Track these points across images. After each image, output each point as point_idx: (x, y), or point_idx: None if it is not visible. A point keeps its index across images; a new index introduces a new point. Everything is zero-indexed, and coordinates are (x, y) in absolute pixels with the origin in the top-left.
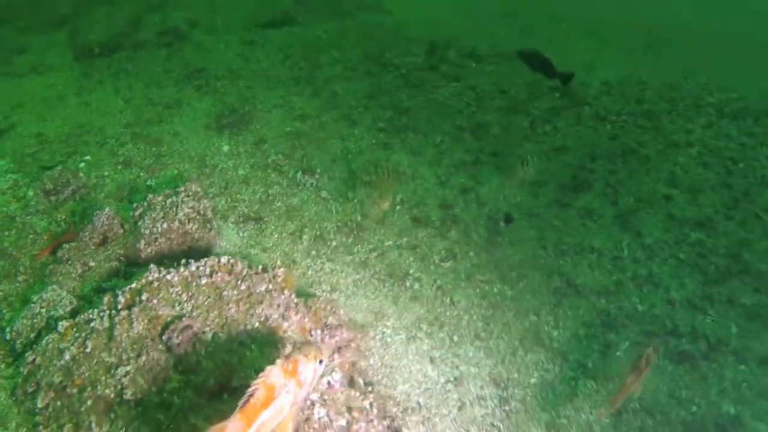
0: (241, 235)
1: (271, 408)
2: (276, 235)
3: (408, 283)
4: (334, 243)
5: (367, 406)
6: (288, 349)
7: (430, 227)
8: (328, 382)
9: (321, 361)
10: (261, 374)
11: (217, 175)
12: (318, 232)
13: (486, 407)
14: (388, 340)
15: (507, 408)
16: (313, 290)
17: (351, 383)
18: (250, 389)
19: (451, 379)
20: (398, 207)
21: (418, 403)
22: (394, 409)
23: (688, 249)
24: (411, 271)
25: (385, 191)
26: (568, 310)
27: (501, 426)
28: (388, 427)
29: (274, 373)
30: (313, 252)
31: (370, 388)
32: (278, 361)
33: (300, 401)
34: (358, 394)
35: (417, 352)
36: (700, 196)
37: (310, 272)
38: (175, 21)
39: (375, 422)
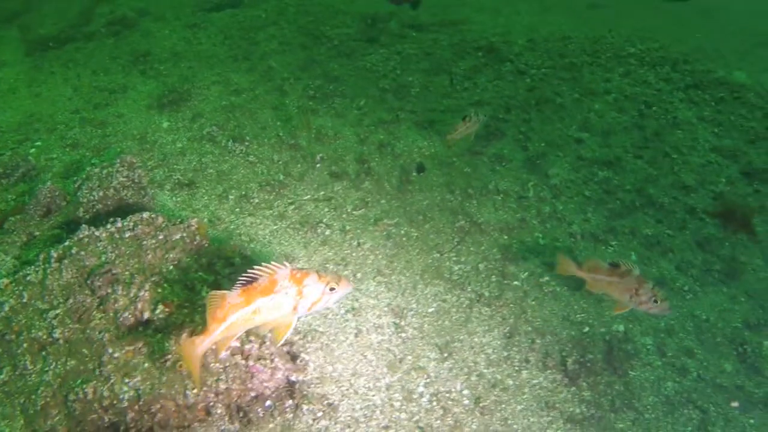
0: (174, 200)
1: (269, 299)
2: (206, 198)
3: (319, 230)
4: (256, 200)
5: (269, 334)
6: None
7: (345, 180)
8: None
9: (332, 289)
10: (269, 265)
11: (156, 149)
12: (243, 192)
13: (383, 334)
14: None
15: (403, 335)
16: (233, 241)
17: None
18: (253, 271)
19: (350, 309)
20: (318, 165)
21: (317, 331)
22: (295, 337)
23: (595, 187)
24: (324, 220)
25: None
26: (471, 247)
27: (396, 350)
28: (288, 352)
29: (281, 272)
30: (237, 209)
31: None
32: (288, 265)
33: (299, 311)
34: None
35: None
36: (612, 138)
37: (232, 227)
38: (124, 11)
39: (274, 347)
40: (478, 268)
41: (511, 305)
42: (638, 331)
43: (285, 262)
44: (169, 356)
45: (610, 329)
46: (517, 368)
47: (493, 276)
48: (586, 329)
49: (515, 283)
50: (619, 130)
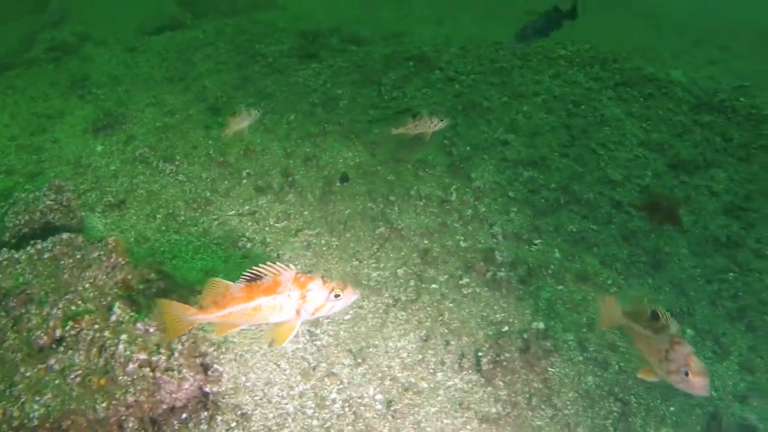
0: (104, 221)
1: (271, 299)
2: (134, 218)
3: (240, 244)
4: (182, 218)
5: (179, 346)
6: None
7: (270, 194)
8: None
9: (337, 296)
10: (274, 265)
11: (90, 173)
12: (170, 211)
13: (297, 343)
14: None
15: (318, 343)
16: (155, 258)
17: None
18: (258, 269)
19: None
20: (244, 180)
21: (232, 342)
22: (209, 349)
23: (519, 187)
24: (246, 234)
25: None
26: (390, 253)
27: (310, 358)
28: (201, 363)
29: (285, 274)
30: (163, 227)
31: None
32: (293, 268)
33: (302, 315)
34: None
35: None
36: (539, 138)
37: (157, 245)
38: (65, 36)
39: (183, 359)
40: (396, 273)
41: (428, 308)
42: (559, 328)
43: (290, 265)
44: (79, 371)
45: (529, 327)
46: (431, 371)
47: (412, 280)
48: (505, 329)
49: (433, 286)
50: (547, 131)
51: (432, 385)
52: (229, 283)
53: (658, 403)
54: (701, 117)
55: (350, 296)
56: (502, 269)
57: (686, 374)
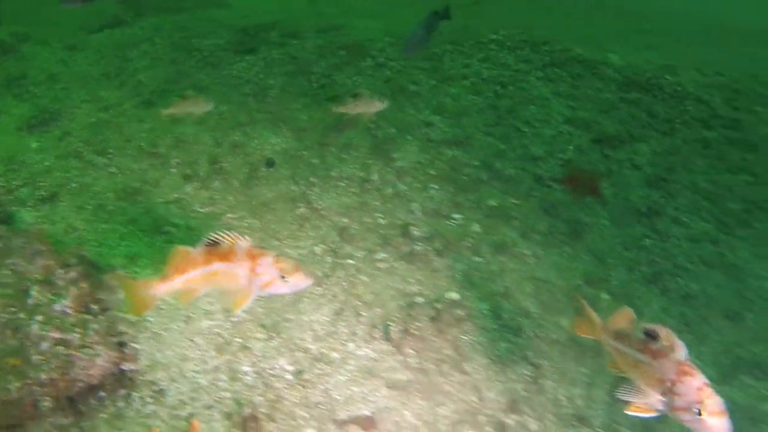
0: (35, 214)
1: (226, 266)
2: (65, 210)
3: (165, 230)
4: (111, 208)
5: (95, 325)
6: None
7: (197, 181)
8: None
9: (284, 277)
10: (231, 234)
11: (24, 169)
12: (100, 202)
13: (213, 319)
14: (135, 275)
15: (234, 319)
16: (83, 246)
17: (86, 309)
18: (216, 236)
19: None
20: (173, 169)
21: (149, 321)
22: (126, 328)
23: (441, 165)
24: (172, 221)
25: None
26: (310, 232)
27: (225, 333)
28: (117, 342)
29: (240, 244)
30: (93, 218)
31: (103, 313)
32: (248, 240)
33: (253, 289)
34: (90, 317)
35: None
36: (465, 119)
37: (85, 233)
38: (3, 36)
39: (99, 337)
40: (314, 251)
41: (343, 283)
42: (474, 297)
43: (246, 237)
44: None
45: (442, 297)
46: (343, 342)
47: (328, 257)
48: (419, 300)
49: (349, 261)
50: (473, 112)
51: (342, 356)
52: (190, 248)
53: (572, 366)
54: (628, 95)
55: (298, 282)
56: (419, 243)
57: (699, 413)
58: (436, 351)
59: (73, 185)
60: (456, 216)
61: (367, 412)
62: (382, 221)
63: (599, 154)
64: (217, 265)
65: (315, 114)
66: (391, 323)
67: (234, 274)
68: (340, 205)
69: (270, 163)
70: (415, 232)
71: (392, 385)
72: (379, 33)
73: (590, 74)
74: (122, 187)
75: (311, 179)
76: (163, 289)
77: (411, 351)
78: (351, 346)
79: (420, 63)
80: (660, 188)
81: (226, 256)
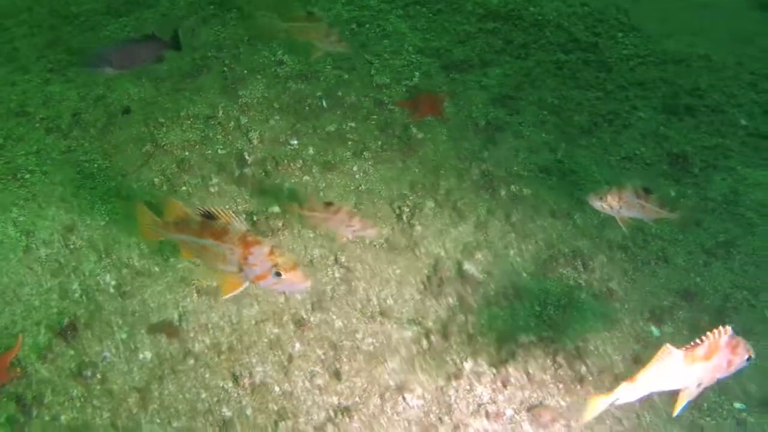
0: None
1: (215, 245)
2: None
3: (19, 176)
4: None
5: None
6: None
7: (57, 133)
8: None
9: (279, 274)
10: (228, 213)
11: None
12: None
13: (52, 248)
14: None
15: (72, 246)
16: None
17: None
18: (211, 209)
19: (24, 232)
20: (38, 125)
21: None
22: None
23: (285, 98)
24: (29, 168)
25: None
26: (153, 166)
27: (62, 259)
28: None
29: (234, 226)
30: None
31: None
32: (243, 224)
33: (245, 277)
34: None
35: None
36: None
37: None
38: None
39: None
40: (153, 181)
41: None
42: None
43: (243, 220)
44: None
45: (264, 210)
46: (165, 257)
47: (165, 186)
48: (242, 216)
49: (183, 188)
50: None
51: (163, 269)
52: (188, 210)
53: (384, 266)
54: (487, 25)
55: (293, 281)
56: (252, 167)
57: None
58: None
59: None
60: (293, 142)
61: (176, 316)
62: (221, 152)
63: (446, 78)
64: (207, 241)
65: (174, 64)
66: None
67: (222, 255)
68: (183, 140)
69: (126, 111)
70: (250, 158)
71: (202, 292)
72: None
73: (451, 9)
74: None
75: (160, 120)
76: (164, 233)
77: None
78: (172, 260)
79: (282, 10)
80: (505, 106)
81: (218, 234)
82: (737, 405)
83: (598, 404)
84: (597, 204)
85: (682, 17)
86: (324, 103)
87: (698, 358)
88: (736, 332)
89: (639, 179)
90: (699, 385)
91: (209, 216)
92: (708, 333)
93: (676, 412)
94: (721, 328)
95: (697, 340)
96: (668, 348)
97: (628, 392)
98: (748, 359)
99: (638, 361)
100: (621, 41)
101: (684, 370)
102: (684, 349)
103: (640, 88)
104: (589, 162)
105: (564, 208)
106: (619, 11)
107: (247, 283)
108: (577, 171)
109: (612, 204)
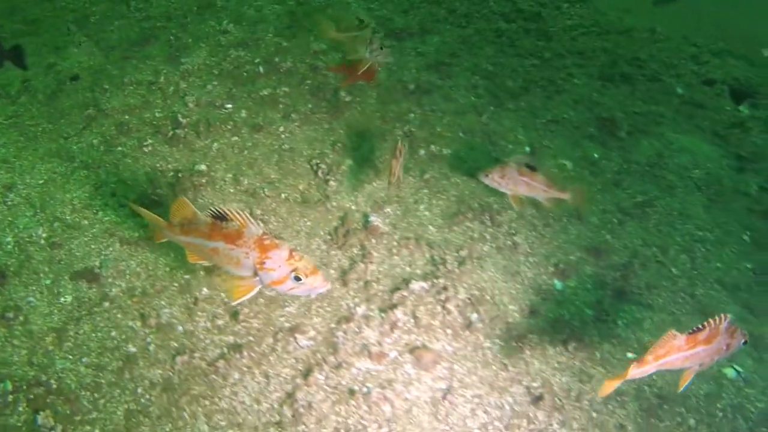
0: None
1: (228, 248)
2: None
3: None
4: None
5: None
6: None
7: (6, 99)
8: None
9: (298, 278)
10: (244, 215)
11: None
12: None
13: None
14: None
15: (9, 203)
16: None
17: None
18: (225, 209)
19: None
20: None
21: None
22: None
23: (225, 65)
24: None
25: None
26: (94, 129)
27: None
28: None
29: (250, 229)
30: None
31: None
32: (261, 227)
33: (261, 281)
34: None
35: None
36: (260, 25)
37: None
38: None
39: None
40: (92, 143)
41: (107, 166)
42: (221, 168)
43: (260, 223)
44: None
45: (191, 168)
46: (95, 211)
47: (102, 147)
48: (170, 174)
49: (119, 149)
50: (271, 19)
51: (91, 222)
52: (196, 211)
53: (297, 219)
54: None
55: (315, 285)
56: (185, 129)
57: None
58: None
59: None
60: (228, 106)
61: (97, 263)
62: (158, 115)
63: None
64: (219, 244)
65: (125, 33)
66: (138, 193)
67: (236, 259)
68: (124, 105)
69: (75, 78)
70: (184, 120)
71: (124, 242)
72: None
73: None
74: None
75: (105, 86)
76: (171, 235)
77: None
78: (100, 214)
79: None
80: (439, 71)
81: (231, 237)
82: (629, 354)
83: (612, 384)
84: (485, 180)
85: None
86: (261, 69)
87: (700, 342)
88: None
89: (562, 140)
90: (701, 365)
91: (221, 217)
92: (709, 320)
93: (681, 389)
94: (721, 315)
95: (699, 326)
96: (673, 333)
97: (638, 372)
98: (744, 343)
99: (535, 312)
100: (565, 11)
101: (687, 353)
102: (687, 334)
103: (580, 56)
104: (514, 124)
105: (481, 166)
106: None
107: (259, 287)
108: (500, 132)
109: (497, 180)
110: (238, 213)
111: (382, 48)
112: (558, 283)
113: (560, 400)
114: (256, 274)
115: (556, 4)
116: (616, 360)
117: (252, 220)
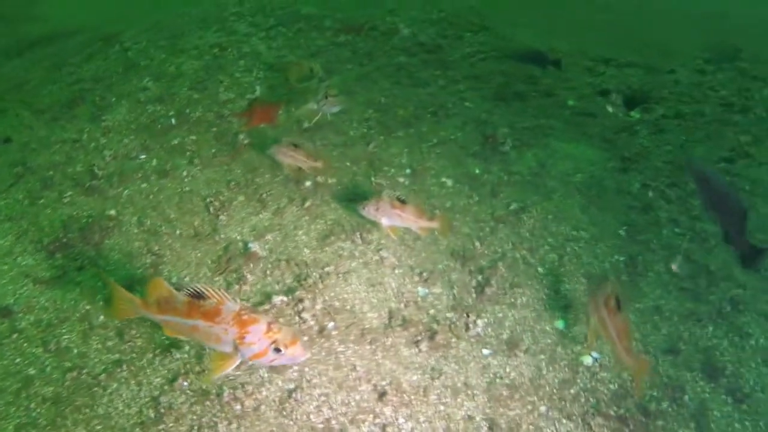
0: None
1: (207, 325)
2: None
3: None
4: None
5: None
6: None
7: None
8: None
9: (278, 350)
10: (220, 293)
11: None
12: None
13: None
14: None
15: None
16: None
17: None
18: (202, 288)
19: None
20: None
21: None
22: None
23: (143, 119)
24: None
25: None
26: (20, 185)
27: None
28: None
29: (228, 306)
30: None
31: None
32: (238, 303)
33: (241, 356)
34: None
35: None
36: (178, 80)
37: None
38: None
39: None
40: (17, 198)
41: (30, 216)
42: (129, 212)
43: (236, 299)
44: None
45: (102, 214)
46: (15, 258)
47: (26, 200)
48: (84, 220)
49: (41, 201)
50: (188, 74)
51: (10, 266)
52: (173, 290)
53: (189, 252)
54: (339, 38)
55: (295, 355)
56: (100, 180)
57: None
58: (80, 253)
59: None
60: (141, 156)
61: (11, 301)
62: (79, 169)
63: (286, 89)
64: (198, 322)
65: (57, 97)
66: (47, 241)
67: (216, 336)
68: (49, 162)
69: (7, 140)
70: (100, 172)
71: (38, 281)
72: (129, 25)
73: (311, 27)
74: None
75: (32, 146)
76: (143, 313)
77: (59, 256)
78: (19, 259)
79: (161, 42)
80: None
81: (209, 315)
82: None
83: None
84: (362, 212)
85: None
86: (173, 121)
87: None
88: None
89: (445, 160)
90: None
91: (198, 296)
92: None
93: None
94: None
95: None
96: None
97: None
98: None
99: (393, 318)
100: (466, 40)
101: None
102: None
103: (475, 80)
104: (401, 150)
105: (362, 191)
106: (471, 11)
107: (239, 361)
108: (385, 158)
109: (371, 212)
110: (214, 290)
111: (327, 98)
112: (421, 290)
113: (408, 396)
114: (236, 348)
115: (458, 35)
116: (471, 357)
117: (228, 297)
